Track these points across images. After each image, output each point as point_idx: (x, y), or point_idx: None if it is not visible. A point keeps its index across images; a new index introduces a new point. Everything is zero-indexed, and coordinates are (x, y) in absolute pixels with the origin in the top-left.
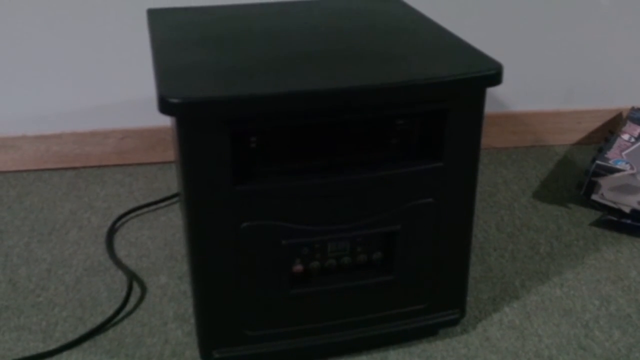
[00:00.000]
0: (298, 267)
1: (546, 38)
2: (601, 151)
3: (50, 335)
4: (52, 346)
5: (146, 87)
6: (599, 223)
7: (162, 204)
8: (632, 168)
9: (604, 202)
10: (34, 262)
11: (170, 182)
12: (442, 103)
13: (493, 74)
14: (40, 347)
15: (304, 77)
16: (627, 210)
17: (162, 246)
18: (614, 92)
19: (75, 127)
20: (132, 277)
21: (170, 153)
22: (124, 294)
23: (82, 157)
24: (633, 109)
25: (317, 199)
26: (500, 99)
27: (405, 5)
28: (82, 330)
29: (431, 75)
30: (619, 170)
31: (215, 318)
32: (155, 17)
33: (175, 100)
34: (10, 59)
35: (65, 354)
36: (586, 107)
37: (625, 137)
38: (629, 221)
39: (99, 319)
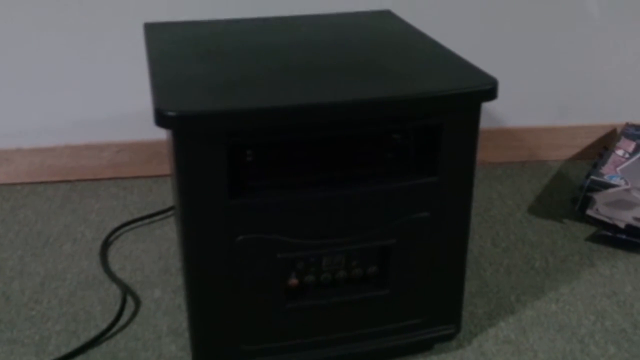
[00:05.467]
0: (293, 281)
1: (541, 54)
2: (596, 166)
3: (43, 349)
4: None
5: (142, 100)
6: (594, 238)
7: (157, 218)
8: (626, 183)
9: (599, 217)
10: (28, 275)
11: (165, 195)
12: (437, 118)
13: (488, 89)
14: None
15: (299, 91)
16: (622, 225)
17: (156, 260)
18: (608, 108)
19: (70, 140)
20: (126, 291)
21: (165, 167)
22: (117, 307)
23: (77, 170)
24: (627, 125)
25: (313, 213)
26: (495, 114)
27: (401, 21)
28: (75, 344)
29: (427, 90)
30: (613, 186)
31: (209, 332)
32: (152, 31)
33: (171, 113)
34: (4, 72)
35: None
36: (581, 123)
37: (620, 152)
38: (624, 236)
39: (92, 333)
